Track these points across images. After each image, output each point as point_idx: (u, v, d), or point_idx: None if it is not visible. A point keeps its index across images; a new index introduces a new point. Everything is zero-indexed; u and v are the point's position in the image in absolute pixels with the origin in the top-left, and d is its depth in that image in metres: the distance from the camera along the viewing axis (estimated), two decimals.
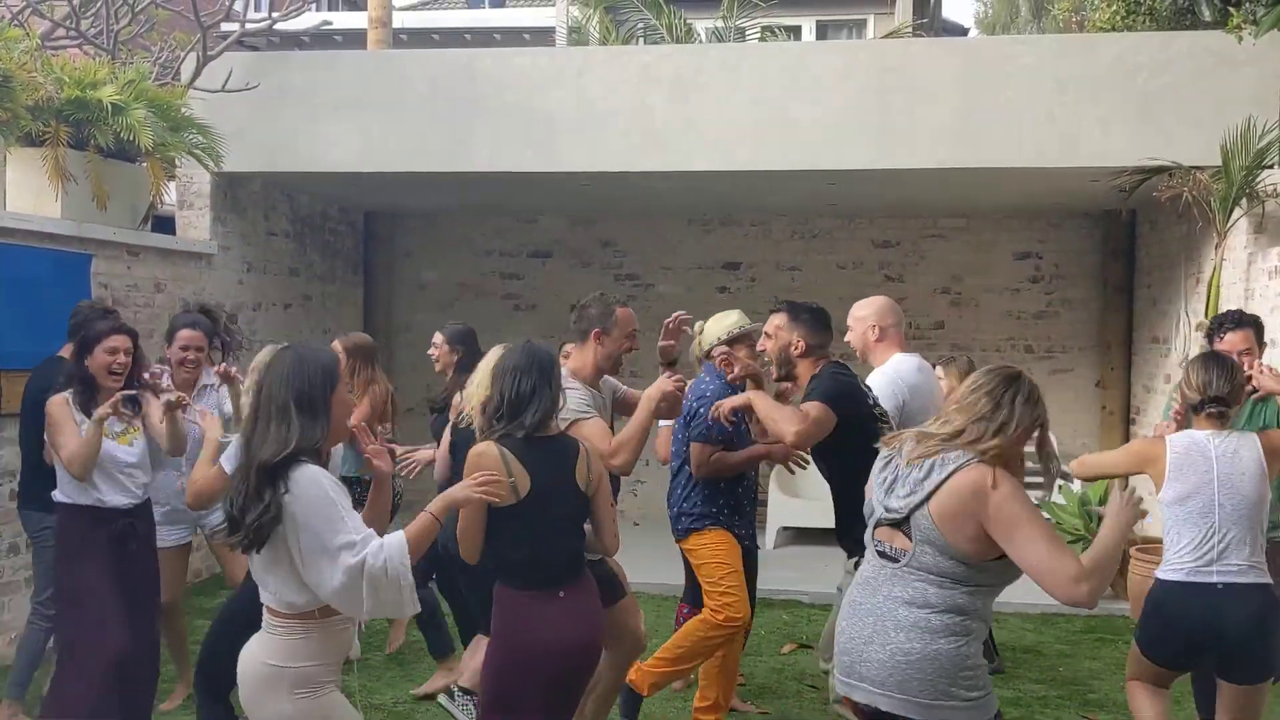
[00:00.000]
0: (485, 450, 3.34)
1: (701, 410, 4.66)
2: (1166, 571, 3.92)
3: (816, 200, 9.25)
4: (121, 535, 4.44)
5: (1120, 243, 9.63)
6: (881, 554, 2.95)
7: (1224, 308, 6.97)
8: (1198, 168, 6.83)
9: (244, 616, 3.42)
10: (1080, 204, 9.21)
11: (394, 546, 2.77)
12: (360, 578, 2.69)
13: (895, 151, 7.29)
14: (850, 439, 4.21)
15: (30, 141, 6.09)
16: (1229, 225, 6.81)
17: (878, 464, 3.06)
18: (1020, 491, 2.81)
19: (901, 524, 2.89)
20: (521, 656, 3.27)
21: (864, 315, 5.09)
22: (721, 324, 4.96)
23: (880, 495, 2.98)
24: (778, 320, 4.47)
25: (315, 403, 2.79)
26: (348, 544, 2.70)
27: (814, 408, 4.20)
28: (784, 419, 4.23)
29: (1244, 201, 6.74)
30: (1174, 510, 3.90)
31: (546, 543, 3.34)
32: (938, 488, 2.82)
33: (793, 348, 4.40)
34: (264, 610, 2.89)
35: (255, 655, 2.87)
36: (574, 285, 10.45)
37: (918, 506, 2.84)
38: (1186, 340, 7.89)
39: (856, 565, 3.59)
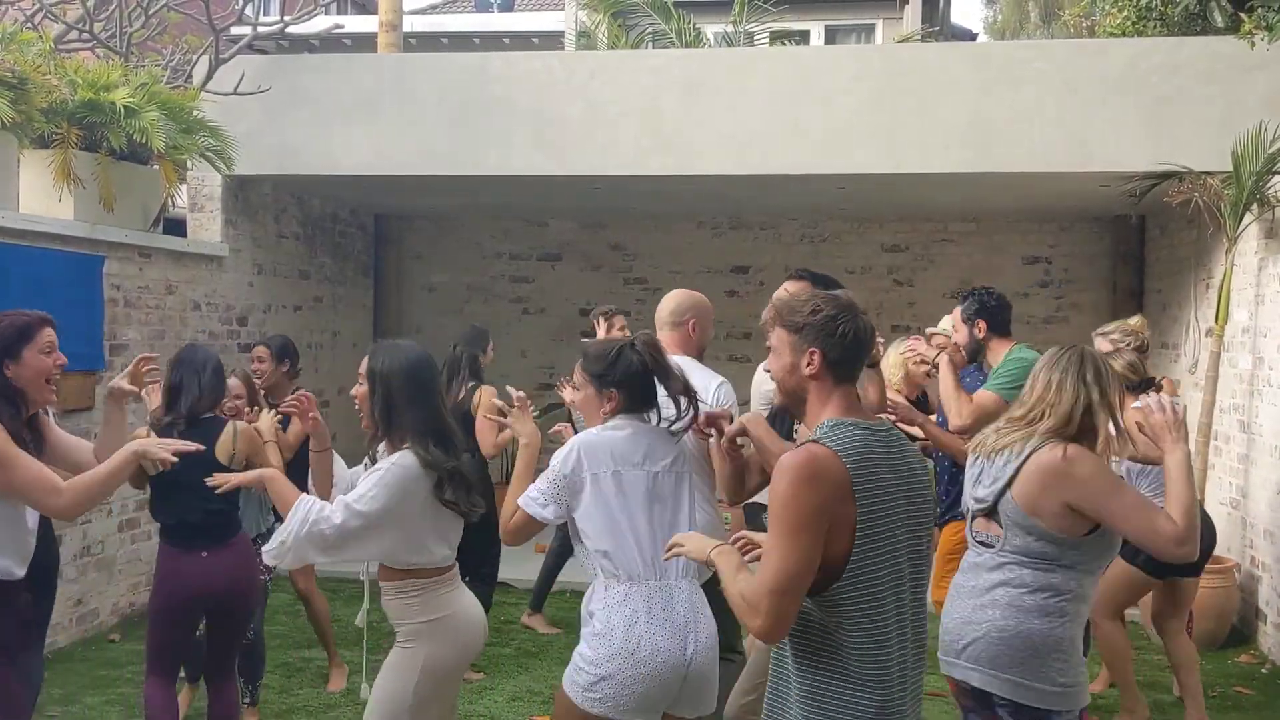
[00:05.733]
0: (137, 434, 3.95)
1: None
2: None
3: (826, 204, 9.25)
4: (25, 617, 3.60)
5: (1130, 247, 9.62)
6: (980, 543, 3.08)
7: (1234, 314, 6.96)
8: (1208, 173, 6.82)
9: None
10: (1090, 208, 9.19)
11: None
12: None
13: (905, 155, 7.28)
14: None
15: (44, 144, 6.10)
16: (1239, 230, 6.79)
17: (969, 461, 3.21)
18: (1100, 465, 2.95)
19: (992, 512, 3.02)
20: (171, 603, 4.01)
21: None
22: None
23: (969, 488, 3.14)
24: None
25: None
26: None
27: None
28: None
29: (1255, 207, 6.72)
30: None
31: (182, 508, 3.98)
32: (1017, 473, 2.96)
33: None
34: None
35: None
36: (583, 288, 10.48)
37: (1001, 493, 2.98)
38: (1196, 346, 7.87)
39: None
